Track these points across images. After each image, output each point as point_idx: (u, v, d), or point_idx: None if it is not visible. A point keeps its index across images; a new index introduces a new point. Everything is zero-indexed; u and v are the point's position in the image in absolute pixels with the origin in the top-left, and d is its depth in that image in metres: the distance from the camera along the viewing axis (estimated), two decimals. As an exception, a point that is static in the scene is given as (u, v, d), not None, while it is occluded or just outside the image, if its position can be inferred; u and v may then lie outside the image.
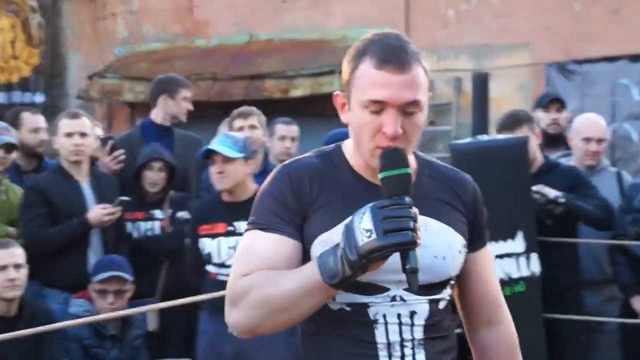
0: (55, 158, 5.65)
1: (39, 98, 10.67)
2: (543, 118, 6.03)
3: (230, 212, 4.78)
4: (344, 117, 2.21)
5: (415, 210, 1.96)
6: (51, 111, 9.46)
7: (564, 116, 6.15)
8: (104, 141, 5.76)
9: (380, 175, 2.02)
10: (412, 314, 2.16)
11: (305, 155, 2.26)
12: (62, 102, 10.90)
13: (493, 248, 2.92)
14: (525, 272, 4.87)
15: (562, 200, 4.99)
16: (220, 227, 4.78)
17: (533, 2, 9.39)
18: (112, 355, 4.84)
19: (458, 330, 2.30)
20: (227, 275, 4.65)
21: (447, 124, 9.63)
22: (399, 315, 2.15)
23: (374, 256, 1.93)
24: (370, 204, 1.96)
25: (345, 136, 6.52)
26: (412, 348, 2.15)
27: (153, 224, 5.53)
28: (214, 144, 4.79)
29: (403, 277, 2.05)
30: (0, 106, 9.70)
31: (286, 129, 6.07)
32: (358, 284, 2.08)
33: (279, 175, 2.18)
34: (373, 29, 8.59)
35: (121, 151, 5.65)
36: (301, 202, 2.13)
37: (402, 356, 2.14)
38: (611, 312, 5.36)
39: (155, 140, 5.84)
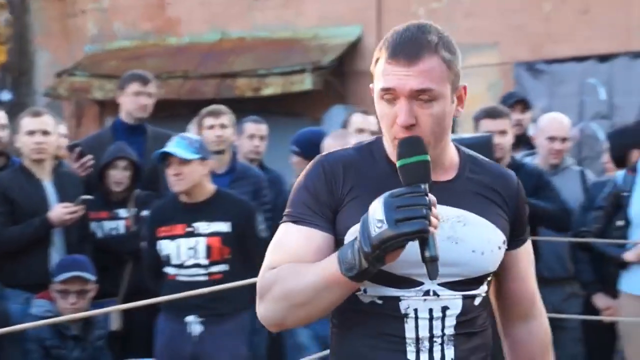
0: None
1: (6, 96, 10.61)
2: (510, 118, 6.06)
3: (188, 213, 4.76)
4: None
5: (431, 198, 1.93)
6: (18, 109, 9.37)
7: (527, 117, 6.20)
8: (71, 148, 5.73)
9: (397, 164, 2.01)
10: (445, 309, 2.13)
11: (345, 147, 2.27)
12: (30, 99, 10.84)
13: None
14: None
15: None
16: (179, 229, 4.76)
17: (503, 1, 9.44)
18: (73, 356, 4.81)
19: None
20: (187, 275, 4.72)
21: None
22: (430, 310, 2.12)
23: (387, 246, 1.90)
24: (385, 193, 1.94)
25: (316, 134, 6.51)
26: (442, 344, 2.13)
27: (117, 223, 5.50)
28: (170, 147, 4.77)
29: (440, 270, 2.04)
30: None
31: (255, 127, 6.07)
32: (391, 277, 2.08)
33: (313, 168, 2.18)
34: (344, 27, 8.70)
35: (89, 157, 5.61)
36: (333, 194, 2.12)
37: (431, 351, 2.12)
38: (573, 309, 5.41)
39: (126, 138, 5.80)
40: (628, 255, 4.82)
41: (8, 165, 5.66)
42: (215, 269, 4.71)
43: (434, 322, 2.12)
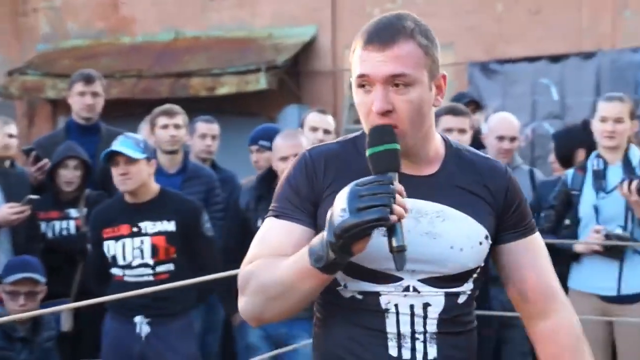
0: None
1: (-42, 95, 10.48)
2: (470, 117, 6.10)
3: (134, 213, 4.73)
4: None
5: (397, 187, 1.90)
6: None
7: (477, 118, 6.25)
8: (26, 152, 5.67)
9: (367, 153, 1.98)
10: (426, 306, 2.10)
11: (331, 141, 2.25)
12: (-20, 99, 10.73)
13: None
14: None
15: None
16: (124, 229, 4.73)
17: (456, 2, 9.51)
18: (21, 358, 4.74)
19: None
20: (134, 276, 4.69)
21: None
22: (411, 306, 2.09)
23: (349, 235, 1.87)
24: (352, 182, 1.91)
25: (271, 131, 6.46)
26: (424, 341, 2.10)
27: (68, 223, 5.46)
28: (117, 146, 4.73)
29: (417, 266, 2.05)
30: None
31: (207, 127, 6.06)
32: (370, 272, 2.06)
33: (296, 162, 2.17)
34: (299, 27, 8.70)
35: (45, 161, 5.56)
36: (314, 188, 2.11)
37: (413, 349, 2.10)
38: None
39: (79, 138, 5.77)
40: (578, 247, 4.87)
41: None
42: (161, 268, 4.70)
43: (416, 319, 2.10)
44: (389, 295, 2.09)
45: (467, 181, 2.17)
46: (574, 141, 5.46)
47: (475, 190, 2.17)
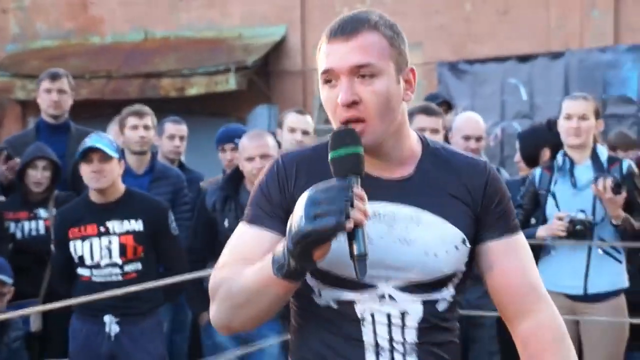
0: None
1: None
2: (442, 117, 6.13)
3: (100, 212, 4.72)
4: None
5: (357, 192, 1.83)
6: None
7: (448, 118, 6.28)
8: None
9: (329, 157, 1.92)
10: (404, 314, 2.03)
11: (305, 146, 2.20)
12: (-49, 99, 10.68)
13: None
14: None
15: None
16: (91, 229, 4.71)
17: (425, 2, 9.56)
18: (-11, 358, 4.75)
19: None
20: (102, 276, 4.67)
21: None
22: (388, 315, 2.03)
23: (306, 243, 1.80)
24: (311, 188, 1.85)
25: (236, 131, 6.40)
26: (404, 353, 2.03)
27: (37, 224, 5.44)
28: (94, 142, 4.71)
29: (392, 273, 2.00)
30: None
31: (175, 127, 6.06)
32: (343, 280, 2.00)
33: (269, 169, 2.11)
34: (269, 27, 8.70)
35: (16, 161, 5.54)
36: (285, 194, 2.06)
37: (392, 359, 2.03)
38: (490, 305, 5.45)
39: (49, 137, 5.76)
40: (541, 232, 4.89)
41: None
42: (129, 267, 4.69)
43: (393, 328, 2.03)
44: (364, 304, 2.03)
45: (444, 182, 2.08)
46: (539, 140, 5.48)
47: (452, 192, 2.08)
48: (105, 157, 4.64)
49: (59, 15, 10.78)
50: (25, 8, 10.89)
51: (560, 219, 4.79)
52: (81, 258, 4.68)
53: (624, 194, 4.69)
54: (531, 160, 5.52)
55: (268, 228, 2.05)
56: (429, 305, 2.04)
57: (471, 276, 2.15)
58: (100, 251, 4.67)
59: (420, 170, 2.08)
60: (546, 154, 5.41)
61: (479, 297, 5.17)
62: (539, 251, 4.90)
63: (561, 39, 9.30)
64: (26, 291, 5.18)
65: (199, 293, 4.87)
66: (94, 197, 4.75)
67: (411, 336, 2.03)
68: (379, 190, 2.01)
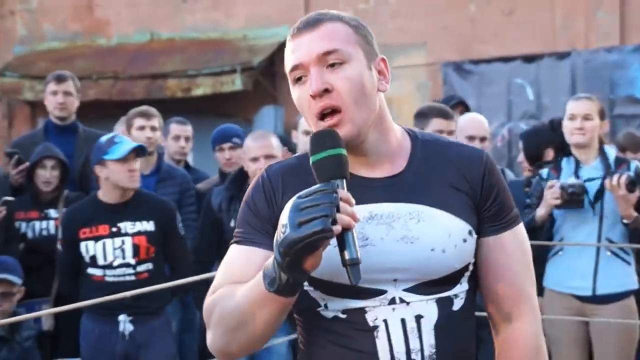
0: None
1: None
2: (455, 120, 6.17)
3: (112, 213, 4.75)
4: None
5: (342, 194, 1.73)
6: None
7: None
8: (9, 155, 5.70)
9: (310, 162, 1.82)
10: (419, 318, 1.90)
11: (290, 157, 2.10)
12: (-41, 100, 10.74)
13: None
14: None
15: None
16: (103, 229, 4.75)
17: (430, 2, 9.57)
18: (1, 357, 4.77)
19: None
20: (115, 276, 4.71)
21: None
22: (403, 321, 1.89)
23: (294, 252, 1.71)
24: (295, 195, 1.76)
25: (233, 130, 6.41)
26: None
27: (48, 224, 5.49)
28: (131, 143, 4.81)
29: (399, 275, 1.89)
30: None
31: (180, 128, 6.10)
32: (349, 288, 1.84)
33: (254, 183, 2.00)
34: (273, 28, 8.74)
35: (26, 164, 5.59)
36: (273, 207, 1.95)
37: None
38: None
39: (57, 138, 5.82)
40: (539, 211, 4.87)
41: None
42: (141, 267, 4.73)
43: (410, 335, 1.89)
44: (375, 311, 1.90)
45: (440, 173, 1.97)
46: (542, 140, 5.49)
47: (450, 182, 1.97)
48: (140, 158, 4.73)
49: (65, 17, 10.83)
50: (32, 10, 10.95)
51: (551, 187, 4.79)
52: (93, 258, 4.71)
53: (637, 193, 4.69)
54: (534, 159, 5.53)
55: (258, 245, 1.93)
56: (444, 305, 1.92)
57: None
58: (113, 251, 4.71)
59: (413, 164, 1.98)
60: (549, 153, 5.42)
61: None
62: (547, 252, 4.92)
63: (567, 39, 9.32)
64: (37, 290, 5.22)
65: (206, 293, 4.90)
66: (105, 197, 4.78)
67: (429, 342, 1.90)
68: (372, 190, 1.92)
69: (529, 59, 9.29)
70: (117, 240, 4.72)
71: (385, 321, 1.89)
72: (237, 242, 1.97)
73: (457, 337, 1.95)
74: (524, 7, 9.38)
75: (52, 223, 5.47)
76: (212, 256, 5.04)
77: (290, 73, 1.94)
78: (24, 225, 5.44)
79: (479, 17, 9.51)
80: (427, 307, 1.91)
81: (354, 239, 1.74)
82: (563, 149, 5.04)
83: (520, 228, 2.04)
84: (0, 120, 10.92)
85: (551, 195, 4.77)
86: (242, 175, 5.03)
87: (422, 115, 4.96)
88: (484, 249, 2.00)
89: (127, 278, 4.67)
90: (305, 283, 1.88)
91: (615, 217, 4.78)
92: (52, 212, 5.48)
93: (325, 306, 1.92)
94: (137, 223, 4.75)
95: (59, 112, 5.89)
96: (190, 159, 7.30)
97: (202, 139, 6.55)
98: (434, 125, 4.94)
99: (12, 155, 5.63)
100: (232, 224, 4.92)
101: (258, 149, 4.86)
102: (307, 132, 5.49)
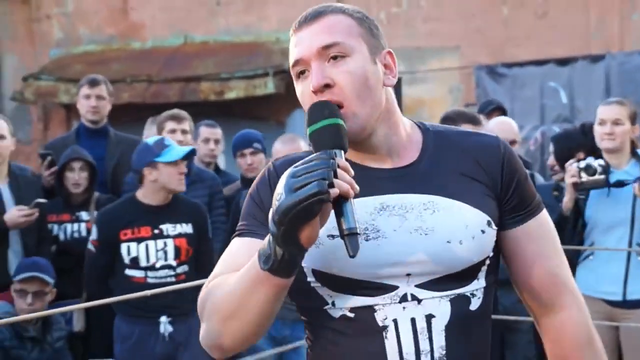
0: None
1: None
2: (484, 125, 6.17)
3: (153, 215, 4.78)
4: None
5: (341, 162, 1.66)
6: (-16, 113, 9.39)
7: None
8: (42, 156, 5.77)
9: (307, 134, 1.77)
10: (429, 318, 1.81)
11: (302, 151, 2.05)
12: (-2, 104, 10.87)
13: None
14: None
15: None
16: (145, 231, 4.79)
17: (462, 5, 9.54)
18: (32, 357, 4.82)
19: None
20: (157, 277, 4.76)
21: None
22: (413, 321, 1.81)
23: (288, 219, 1.62)
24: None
25: (253, 135, 6.43)
26: None
27: (79, 226, 5.55)
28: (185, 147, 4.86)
29: (412, 269, 1.80)
30: None
31: (209, 131, 6.14)
32: (358, 283, 1.80)
33: (262, 175, 1.94)
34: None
35: (56, 168, 5.66)
36: None
37: None
38: (525, 310, 5.42)
39: (89, 141, 5.89)
40: (565, 201, 4.85)
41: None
42: (180, 269, 4.80)
43: (420, 336, 1.81)
44: (385, 310, 1.81)
45: (455, 163, 1.90)
46: (573, 143, 5.47)
47: (465, 172, 1.89)
48: (186, 160, 4.81)
49: (100, 20, 10.93)
50: (68, 14, 11.06)
51: (569, 169, 4.79)
52: (134, 260, 4.75)
53: None
54: (565, 162, 5.52)
55: (261, 236, 1.83)
56: (459, 302, 1.83)
57: (503, 280, 2.00)
58: (155, 253, 4.75)
59: (426, 155, 1.91)
60: (580, 157, 5.40)
61: (515, 302, 5.18)
62: (578, 257, 4.90)
63: (601, 42, 9.25)
64: (68, 292, 5.28)
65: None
66: (147, 199, 4.81)
67: (440, 341, 1.82)
68: (383, 181, 1.85)
69: (563, 62, 9.22)
70: (160, 242, 4.76)
71: (395, 321, 1.81)
72: (239, 235, 1.91)
73: (471, 338, 1.86)
74: (557, 9, 9.32)
75: (83, 225, 5.53)
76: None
77: (292, 68, 1.89)
78: (56, 227, 5.51)
79: (512, 19, 9.47)
80: (440, 306, 1.82)
81: (353, 209, 1.66)
82: (594, 153, 5.02)
83: (545, 214, 1.97)
84: (36, 123, 11.04)
85: (569, 174, 4.76)
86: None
87: (450, 120, 4.93)
88: (511, 241, 1.93)
89: (169, 280, 4.72)
90: (312, 279, 1.83)
91: None
92: (84, 215, 5.55)
93: (333, 304, 1.84)
94: (178, 225, 4.81)
95: (92, 115, 5.96)
96: (222, 162, 7.35)
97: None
98: None
99: (46, 156, 5.71)
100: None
101: (287, 152, 4.89)
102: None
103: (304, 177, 1.62)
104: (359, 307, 1.82)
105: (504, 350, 5.49)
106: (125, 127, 6.43)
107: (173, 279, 4.72)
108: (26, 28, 11.14)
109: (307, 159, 1.67)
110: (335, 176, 1.64)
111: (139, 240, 4.76)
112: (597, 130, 4.91)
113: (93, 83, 5.98)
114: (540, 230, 1.95)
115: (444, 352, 1.82)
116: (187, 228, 4.83)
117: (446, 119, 4.98)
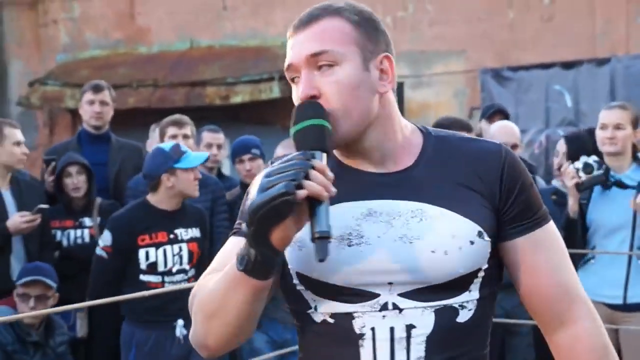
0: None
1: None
2: (486, 129, 6.17)
3: (168, 220, 4.81)
4: None
5: (318, 164, 1.65)
6: (-9, 118, 9.41)
7: (483, 127, 6.30)
8: (47, 162, 5.79)
9: (291, 134, 1.75)
10: (409, 328, 1.76)
11: None
12: (3, 109, 10.87)
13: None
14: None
15: None
16: (162, 236, 4.81)
17: (468, 9, 9.54)
18: (35, 361, 4.87)
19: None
20: (174, 282, 4.77)
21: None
22: (391, 329, 1.76)
23: (257, 218, 1.62)
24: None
25: (252, 141, 6.46)
26: None
27: (82, 232, 5.57)
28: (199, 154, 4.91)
29: (394, 277, 1.75)
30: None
31: (212, 136, 6.15)
32: (341, 289, 1.77)
33: (257, 176, 1.89)
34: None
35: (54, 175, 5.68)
36: None
37: None
38: (526, 314, 5.43)
39: (91, 147, 5.92)
40: (570, 204, 4.85)
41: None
42: (191, 273, 4.84)
43: (396, 345, 1.76)
44: (364, 317, 1.77)
45: (452, 170, 1.84)
46: (581, 144, 5.46)
47: (462, 180, 1.83)
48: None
49: (107, 25, 10.96)
50: (75, 19, 11.09)
51: (566, 170, 4.80)
52: (152, 265, 4.75)
53: None
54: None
55: None
56: (444, 316, 1.77)
57: (505, 284, 1.90)
58: (172, 258, 4.78)
59: (422, 161, 1.85)
60: (584, 160, 5.40)
61: (515, 305, 5.19)
62: (578, 260, 4.90)
63: (606, 45, 9.23)
64: (72, 298, 5.28)
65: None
66: (162, 204, 4.82)
67: (418, 352, 1.76)
68: (374, 186, 1.82)
69: (568, 65, 9.21)
70: (176, 247, 4.80)
71: (372, 329, 1.76)
72: (234, 234, 1.90)
73: (458, 351, 1.79)
74: (563, 13, 9.31)
75: (86, 231, 5.55)
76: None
77: (286, 72, 1.87)
78: (59, 233, 5.53)
79: (518, 23, 9.46)
80: (422, 317, 1.76)
81: (327, 212, 1.63)
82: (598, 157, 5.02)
83: (552, 225, 1.90)
84: (42, 128, 11.07)
85: (569, 177, 4.76)
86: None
87: (443, 127, 4.93)
88: (514, 252, 1.85)
89: (184, 284, 4.73)
90: (297, 282, 1.82)
91: None
92: (87, 221, 5.57)
93: (315, 308, 1.81)
94: (189, 230, 4.85)
95: (95, 121, 5.98)
96: (226, 167, 7.36)
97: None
98: None
99: (50, 162, 5.73)
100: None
101: None
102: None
103: (275, 177, 1.62)
104: (338, 313, 1.79)
105: (504, 353, 5.50)
106: (130, 132, 6.44)
107: (187, 283, 4.73)
108: (33, 33, 11.18)
109: (284, 159, 1.68)
110: (307, 177, 1.62)
111: (157, 245, 4.77)
112: (599, 135, 4.92)
113: (96, 89, 6.00)
114: (548, 241, 1.88)
115: None
116: (196, 232, 4.88)
117: (439, 127, 4.98)
